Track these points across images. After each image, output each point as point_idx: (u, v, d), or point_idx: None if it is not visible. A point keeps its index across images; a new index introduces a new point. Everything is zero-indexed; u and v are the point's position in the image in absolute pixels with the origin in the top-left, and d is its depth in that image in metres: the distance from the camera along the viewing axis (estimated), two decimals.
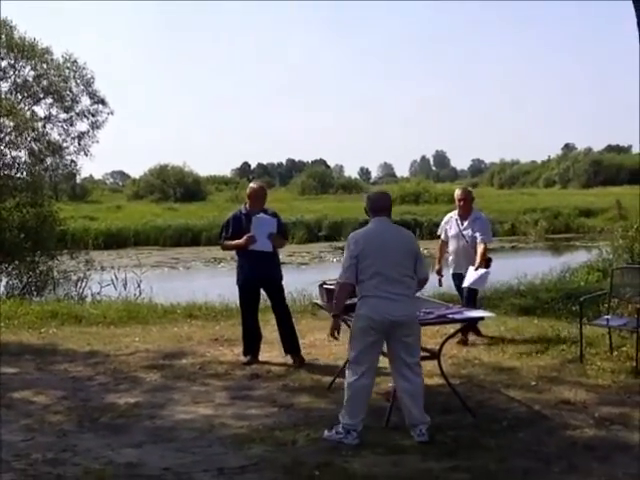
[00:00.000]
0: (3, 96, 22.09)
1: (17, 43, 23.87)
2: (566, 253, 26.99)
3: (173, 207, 46.82)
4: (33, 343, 9.12)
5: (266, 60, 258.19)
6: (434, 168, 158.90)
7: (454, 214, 8.90)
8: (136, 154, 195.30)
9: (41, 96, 26.05)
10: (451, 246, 8.86)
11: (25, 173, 20.69)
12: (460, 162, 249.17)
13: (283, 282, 8.12)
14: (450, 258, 8.93)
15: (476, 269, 8.28)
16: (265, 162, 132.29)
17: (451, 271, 8.91)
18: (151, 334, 9.59)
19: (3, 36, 22.64)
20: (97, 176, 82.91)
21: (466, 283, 8.31)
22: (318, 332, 9.09)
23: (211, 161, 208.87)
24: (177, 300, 11.98)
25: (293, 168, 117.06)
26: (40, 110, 26.93)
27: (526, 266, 14.57)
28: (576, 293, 10.22)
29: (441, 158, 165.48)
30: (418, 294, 6.22)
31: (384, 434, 5.56)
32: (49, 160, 24.55)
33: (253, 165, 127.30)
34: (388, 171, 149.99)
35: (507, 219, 36.59)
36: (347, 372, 5.63)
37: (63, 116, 27.41)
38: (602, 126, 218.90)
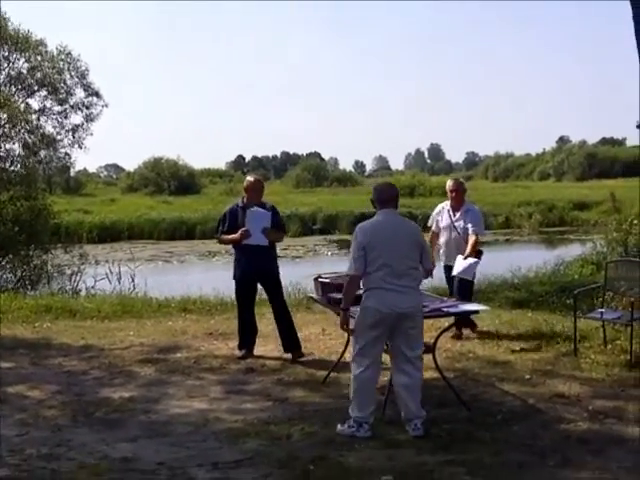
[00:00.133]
0: None
1: (11, 35, 23.77)
2: (560, 246, 27.00)
3: (167, 200, 46.73)
4: (27, 337, 9.11)
5: (264, 57, 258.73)
6: (429, 161, 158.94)
7: (446, 205, 8.81)
8: (130, 147, 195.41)
9: (35, 88, 25.99)
10: (442, 238, 8.77)
11: (19, 166, 20.63)
12: (455, 155, 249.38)
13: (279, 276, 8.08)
14: (441, 250, 8.82)
15: (465, 258, 8.25)
16: (260, 155, 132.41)
17: (442, 263, 8.82)
18: (145, 328, 9.58)
19: None
20: (91, 169, 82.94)
21: (454, 272, 8.26)
22: (313, 326, 9.10)
23: (205, 154, 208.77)
24: (171, 294, 11.97)
25: (288, 161, 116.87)
26: (34, 102, 26.87)
27: (520, 259, 14.60)
28: (570, 286, 10.23)
29: (436, 151, 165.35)
30: None
31: (379, 428, 5.54)
32: (43, 153, 24.52)
33: (248, 158, 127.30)
34: (383, 164, 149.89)
35: (501, 212, 36.61)
36: (352, 365, 5.62)
37: (57, 108, 27.37)
38: (597, 119, 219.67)
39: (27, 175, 19.44)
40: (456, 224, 8.60)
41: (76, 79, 27.33)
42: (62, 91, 26.90)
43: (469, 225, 8.47)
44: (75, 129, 27.80)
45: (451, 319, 7.10)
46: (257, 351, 7.99)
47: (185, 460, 5.02)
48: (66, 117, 27.59)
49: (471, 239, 8.36)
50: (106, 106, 28.56)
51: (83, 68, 27.22)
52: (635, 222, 12.87)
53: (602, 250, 14.06)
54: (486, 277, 11.74)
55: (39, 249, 17.66)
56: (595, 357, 7.40)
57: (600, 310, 7.85)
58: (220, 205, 39.54)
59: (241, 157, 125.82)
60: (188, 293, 11.85)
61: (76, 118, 27.91)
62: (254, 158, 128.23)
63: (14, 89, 25.53)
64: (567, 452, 5.07)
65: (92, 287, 15.68)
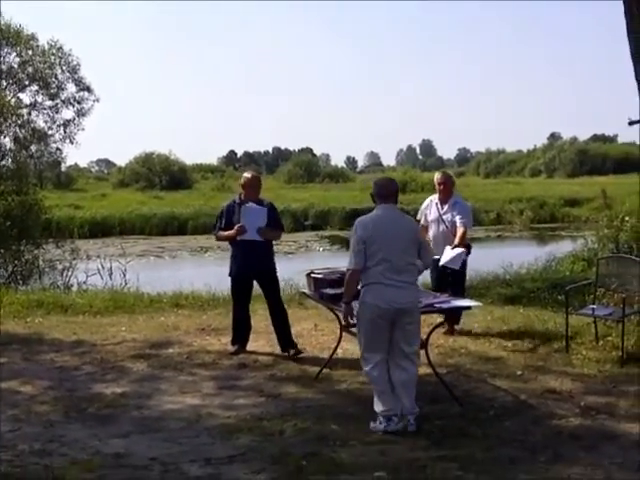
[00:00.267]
0: None
1: (2, 29, 23.67)
2: (551, 242, 27.05)
3: (159, 195, 46.58)
4: (19, 332, 9.08)
5: (257, 53, 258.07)
6: (420, 157, 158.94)
7: (434, 198, 8.77)
8: (121, 142, 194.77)
9: (26, 83, 25.91)
10: (431, 231, 8.70)
11: (10, 160, 20.55)
12: (446, 151, 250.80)
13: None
14: (430, 244, 8.80)
15: (452, 249, 8.21)
16: (252, 150, 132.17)
17: None
18: (138, 323, 9.56)
19: None
20: (82, 164, 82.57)
21: (442, 262, 8.23)
22: (305, 322, 9.10)
23: (197, 149, 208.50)
24: (163, 289, 11.94)
25: (279, 156, 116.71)
26: (25, 97, 26.81)
27: (512, 255, 14.60)
28: (562, 283, 10.25)
29: (427, 147, 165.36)
30: None
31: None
32: (34, 147, 24.44)
33: (239, 153, 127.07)
34: (375, 160, 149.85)
35: (493, 208, 36.58)
36: (362, 361, 5.65)
37: (48, 103, 27.35)
38: (588, 116, 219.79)
39: (18, 170, 19.36)
40: (444, 217, 8.55)
41: (67, 74, 27.30)
42: (53, 86, 26.86)
43: (457, 217, 8.42)
44: (66, 124, 27.79)
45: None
46: (249, 347, 7.98)
47: (178, 456, 5.02)
48: (57, 112, 27.60)
49: (459, 231, 8.32)
50: (97, 101, 28.56)
51: (74, 63, 27.20)
52: (626, 219, 12.91)
53: (593, 247, 14.08)
54: (478, 273, 11.77)
55: (30, 244, 17.58)
56: (587, 353, 7.43)
57: (592, 306, 7.87)
58: (212, 200, 39.68)
59: (233, 152, 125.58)
60: (180, 288, 11.81)
61: (67, 113, 27.90)
62: (246, 153, 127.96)
63: (5, 83, 25.45)
64: (559, 448, 5.09)
65: (84, 282, 15.61)
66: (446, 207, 8.58)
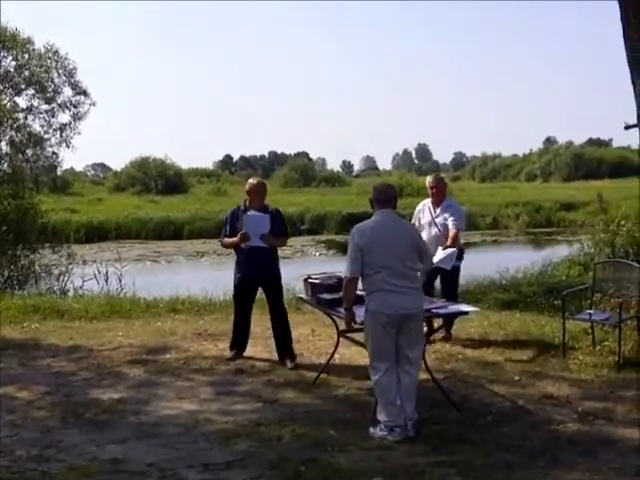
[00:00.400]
0: None
1: None
2: (547, 247, 27.07)
3: (155, 200, 46.48)
4: (15, 338, 9.06)
5: (252, 56, 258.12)
6: (416, 161, 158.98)
7: (427, 202, 8.75)
8: (117, 146, 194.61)
9: (23, 87, 25.88)
10: (424, 235, 8.62)
11: (6, 165, 20.52)
12: (442, 155, 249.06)
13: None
14: None
15: (443, 249, 8.19)
16: (247, 155, 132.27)
17: None
18: (134, 329, 9.55)
19: None
20: (78, 168, 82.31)
21: (434, 260, 8.19)
22: (302, 327, 9.08)
23: (193, 154, 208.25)
24: (160, 294, 11.92)
25: (275, 161, 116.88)
26: (22, 101, 26.77)
27: (508, 260, 14.61)
28: (558, 287, 10.26)
29: (423, 151, 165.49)
30: None
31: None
32: (30, 152, 24.40)
33: (235, 158, 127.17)
34: (370, 164, 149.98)
35: (489, 213, 36.68)
36: (370, 370, 5.63)
37: (45, 107, 27.31)
38: (583, 120, 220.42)
39: (14, 174, 19.35)
40: (436, 220, 8.52)
41: (64, 77, 27.28)
42: (49, 90, 26.83)
43: (450, 220, 8.38)
44: (63, 128, 27.75)
45: (440, 320, 7.11)
46: (246, 352, 7.96)
47: (175, 461, 5.01)
48: (53, 116, 27.56)
49: (451, 232, 8.29)
50: (94, 105, 28.53)
51: (71, 66, 27.17)
52: (622, 223, 12.91)
53: (589, 251, 14.07)
54: (474, 278, 11.77)
55: (27, 249, 17.58)
56: (584, 358, 7.43)
57: (588, 311, 7.87)
58: (208, 205, 39.69)
59: (229, 157, 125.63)
60: (176, 293, 11.80)
61: (63, 117, 27.86)
62: (242, 158, 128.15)
63: (1, 87, 25.43)
64: (557, 453, 5.09)
65: (80, 287, 15.57)
66: (439, 210, 8.56)
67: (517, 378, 6.91)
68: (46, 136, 26.85)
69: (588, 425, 5.67)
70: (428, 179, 8.90)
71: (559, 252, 18.24)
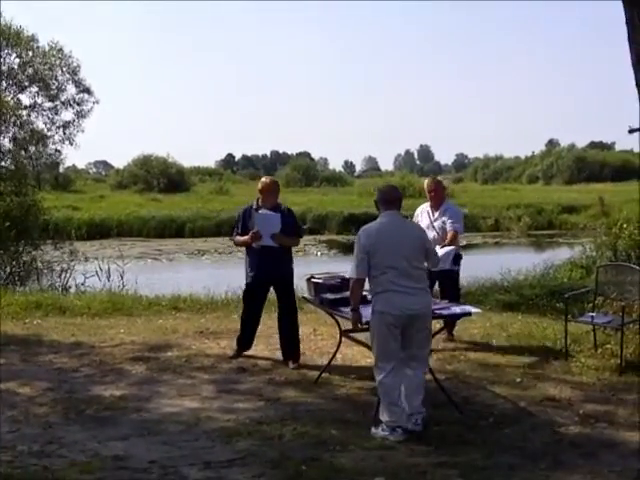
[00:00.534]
0: None
1: (2, 30, 23.67)
2: (549, 249, 27.06)
3: (157, 198, 46.48)
4: (17, 334, 9.07)
5: (254, 56, 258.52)
6: (418, 162, 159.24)
7: (426, 205, 8.73)
8: (119, 144, 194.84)
9: (26, 84, 25.90)
10: None
11: (9, 161, 20.54)
12: (444, 156, 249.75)
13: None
14: None
15: (441, 248, 8.15)
16: (249, 154, 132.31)
17: None
18: (136, 326, 9.56)
19: None
20: (80, 165, 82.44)
21: None
22: (304, 326, 9.01)
23: (195, 152, 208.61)
24: (162, 292, 11.94)
25: (277, 160, 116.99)
26: (25, 98, 26.79)
27: (509, 262, 14.58)
28: (560, 290, 10.26)
29: (425, 152, 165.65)
30: None
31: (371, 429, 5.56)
32: (32, 149, 24.42)
33: (237, 157, 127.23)
34: (372, 165, 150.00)
35: (490, 214, 36.62)
36: (375, 370, 5.62)
37: (48, 105, 27.33)
38: (586, 122, 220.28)
39: (17, 170, 19.35)
40: (435, 224, 8.49)
41: (67, 75, 27.29)
42: (53, 87, 26.86)
43: (448, 222, 8.38)
44: (66, 125, 27.78)
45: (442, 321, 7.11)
46: (248, 351, 7.95)
47: (177, 459, 5.01)
48: (57, 113, 27.59)
49: (449, 234, 8.29)
50: (97, 102, 28.55)
51: (75, 64, 27.18)
52: (624, 226, 12.91)
53: (591, 254, 14.10)
54: (476, 280, 11.77)
55: (29, 245, 17.58)
56: (586, 361, 7.43)
57: (591, 314, 7.88)
58: (209, 203, 39.71)
59: (231, 156, 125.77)
60: (178, 291, 11.81)
61: (67, 114, 27.88)
62: (244, 157, 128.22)
63: (5, 84, 25.44)
64: (558, 455, 5.09)
65: (82, 284, 15.59)
66: (437, 214, 8.55)
67: (519, 380, 6.92)
68: (49, 133, 26.90)
69: (590, 428, 5.67)
70: (426, 182, 8.89)
71: (561, 255, 18.27)
